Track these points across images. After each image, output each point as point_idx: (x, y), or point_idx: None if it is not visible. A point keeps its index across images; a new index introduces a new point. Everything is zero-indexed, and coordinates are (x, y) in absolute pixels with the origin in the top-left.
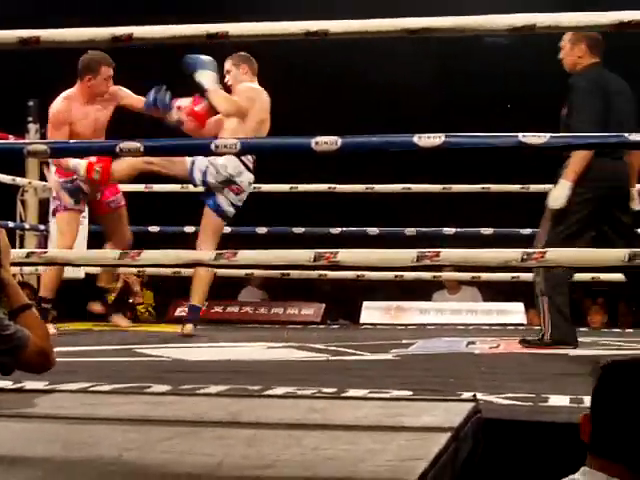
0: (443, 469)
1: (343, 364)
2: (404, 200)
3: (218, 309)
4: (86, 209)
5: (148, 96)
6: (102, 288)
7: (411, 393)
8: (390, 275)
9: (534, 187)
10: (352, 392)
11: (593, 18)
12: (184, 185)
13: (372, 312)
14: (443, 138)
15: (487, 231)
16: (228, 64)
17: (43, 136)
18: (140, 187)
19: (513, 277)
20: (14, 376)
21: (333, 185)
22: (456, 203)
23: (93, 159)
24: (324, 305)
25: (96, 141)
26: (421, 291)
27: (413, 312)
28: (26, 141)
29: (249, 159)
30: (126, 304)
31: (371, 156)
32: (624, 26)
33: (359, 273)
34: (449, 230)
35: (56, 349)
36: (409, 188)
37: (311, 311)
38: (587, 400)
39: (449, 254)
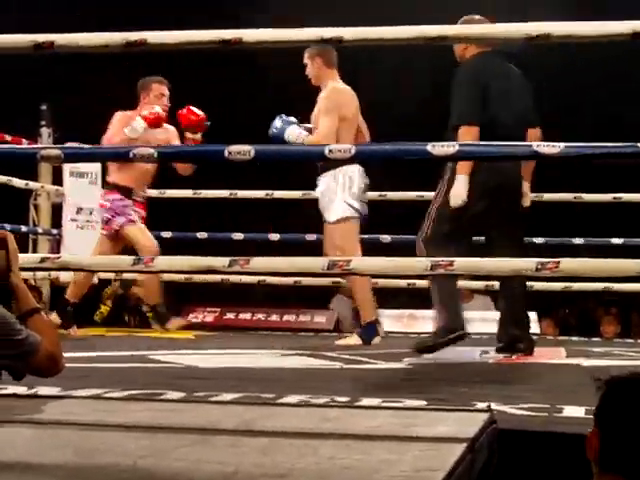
0: None
1: (356, 372)
2: (418, 208)
3: (230, 316)
4: (97, 213)
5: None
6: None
7: (425, 402)
8: (403, 283)
9: (547, 196)
10: (366, 401)
11: (608, 27)
12: (197, 191)
13: (385, 320)
14: (457, 147)
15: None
16: (305, 57)
17: (56, 140)
18: (154, 192)
19: (526, 286)
20: (27, 382)
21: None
22: None
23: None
24: (337, 313)
25: (110, 146)
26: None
27: (426, 320)
28: (40, 146)
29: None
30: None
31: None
32: (638, 36)
33: (372, 280)
34: None
35: (69, 354)
36: (422, 196)
37: (323, 319)
38: None
39: (463, 263)
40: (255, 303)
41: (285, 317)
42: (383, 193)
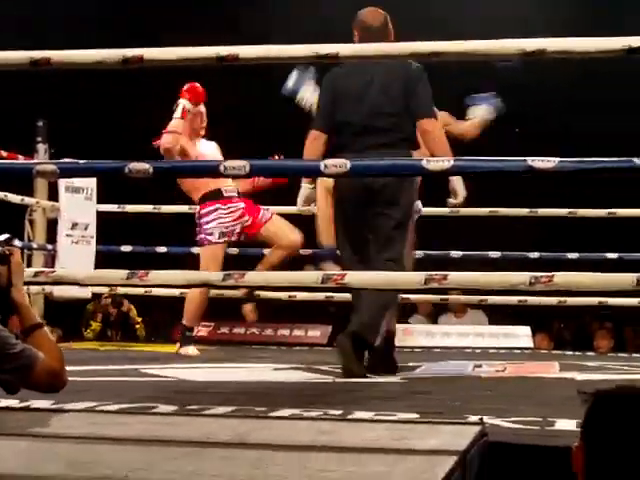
0: None
1: (350, 386)
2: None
3: (224, 330)
4: (92, 228)
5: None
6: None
7: (418, 416)
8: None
9: (542, 211)
10: (358, 414)
11: (603, 43)
12: (192, 207)
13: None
14: (452, 162)
15: (495, 254)
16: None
17: (52, 156)
18: (148, 208)
19: (520, 301)
20: (21, 395)
21: None
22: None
23: None
24: (331, 327)
25: (104, 162)
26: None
27: (420, 334)
28: (35, 161)
29: None
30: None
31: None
32: (634, 51)
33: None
34: (456, 253)
35: None
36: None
37: (318, 333)
38: None
39: (457, 277)
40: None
41: (279, 331)
42: None
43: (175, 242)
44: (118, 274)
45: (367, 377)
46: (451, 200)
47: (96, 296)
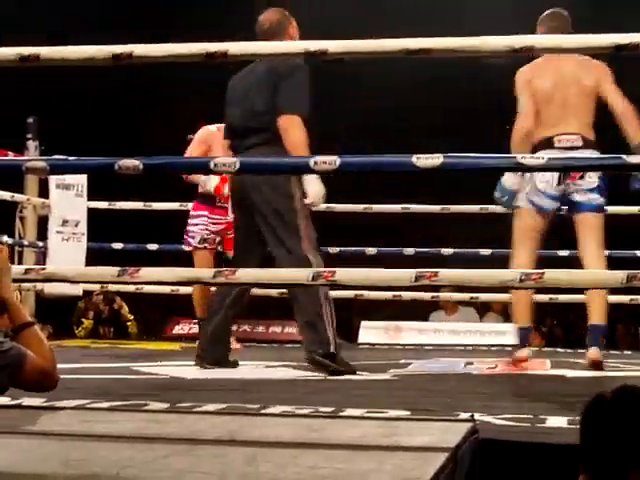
0: None
1: (341, 383)
2: (403, 220)
3: None
4: (83, 225)
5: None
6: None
7: (409, 413)
8: (388, 295)
9: None
10: (349, 411)
11: (590, 40)
12: (183, 203)
13: (370, 332)
14: (442, 159)
15: (486, 252)
16: None
17: (43, 153)
18: (139, 205)
19: (511, 298)
20: (12, 392)
21: (332, 205)
22: (454, 223)
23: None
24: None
25: (94, 159)
26: (420, 311)
27: (411, 332)
28: (25, 158)
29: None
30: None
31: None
32: (621, 48)
33: (357, 292)
34: (448, 251)
35: None
36: (408, 208)
37: None
38: None
39: (447, 274)
40: (241, 315)
41: (271, 329)
42: (369, 206)
43: (167, 239)
44: (109, 271)
45: (358, 374)
46: (306, 201)
47: (87, 293)
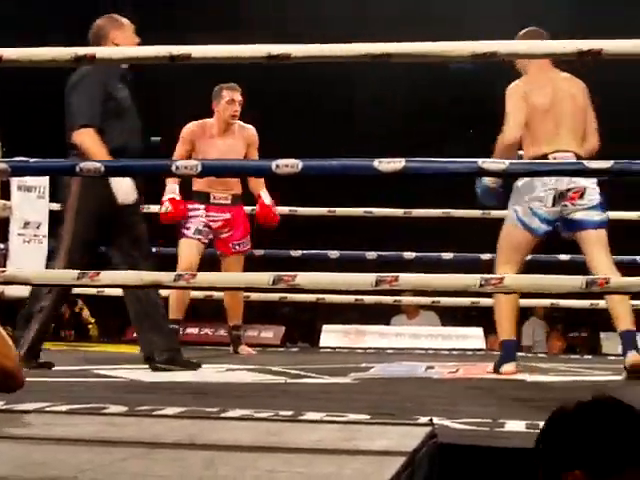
0: None
1: (301, 387)
2: (365, 224)
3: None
4: (44, 227)
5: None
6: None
7: (368, 417)
8: (351, 299)
9: (495, 213)
10: (309, 415)
11: (552, 46)
12: (147, 206)
13: (332, 335)
14: (403, 163)
15: (447, 256)
16: None
17: (4, 155)
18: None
19: (473, 302)
20: None
21: (294, 208)
22: (418, 228)
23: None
24: (284, 328)
25: (55, 160)
26: (387, 315)
27: (373, 336)
28: None
29: None
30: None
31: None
32: (583, 55)
33: (319, 296)
34: (409, 255)
35: None
36: (371, 212)
37: (271, 334)
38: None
39: (408, 279)
40: (203, 318)
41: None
42: (332, 209)
43: None
44: (69, 274)
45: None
46: (119, 201)
47: None
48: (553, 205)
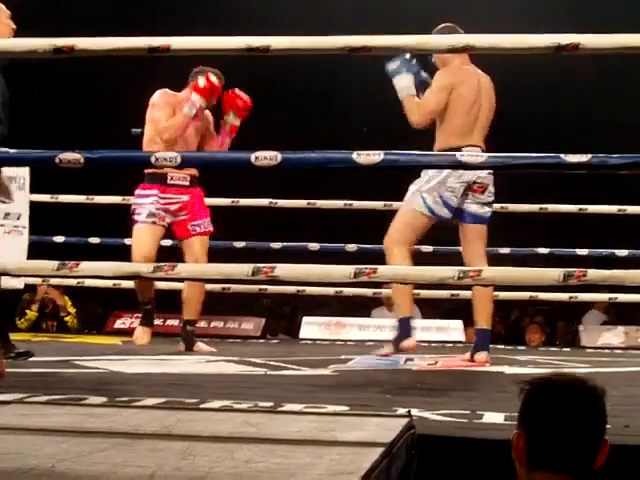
0: None
1: (281, 379)
2: (346, 216)
3: (158, 322)
4: (25, 218)
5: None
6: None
7: (347, 408)
8: (331, 291)
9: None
10: (288, 407)
11: (531, 40)
12: (125, 197)
13: (312, 327)
14: (382, 156)
15: (427, 249)
16: None
17: None
18: (81, 198)
19: (452, 295)
20: None
21: (274, 200)
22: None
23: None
24: (264, 320)
25: (35, 151)
26: (364, 307)
27: (353, 328)
28: None
29: None
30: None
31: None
32: (561, 49)
33: (299, 288)
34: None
35: None
36: (351, 204)
37: (251, 325)
38: None
39: (386, 271)
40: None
41: (213, 324)
42: (312, 201)
43: (109, 233)
44: (48, 265)
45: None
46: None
47: (30, 287)
48: (462, 196)
